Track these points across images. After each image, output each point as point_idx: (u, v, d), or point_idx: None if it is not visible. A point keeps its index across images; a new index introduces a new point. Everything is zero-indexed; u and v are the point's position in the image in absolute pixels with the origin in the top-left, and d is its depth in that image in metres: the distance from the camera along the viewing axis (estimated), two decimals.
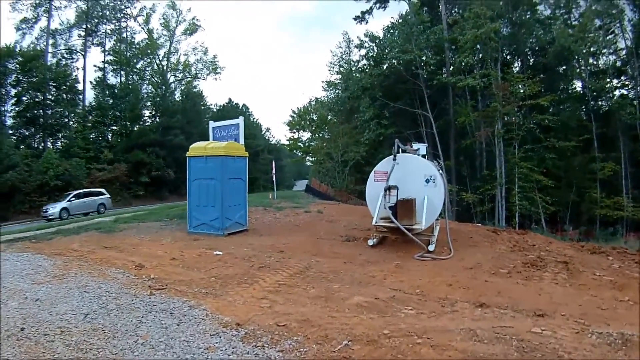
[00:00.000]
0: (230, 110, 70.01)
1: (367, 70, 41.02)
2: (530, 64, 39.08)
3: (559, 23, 37.81)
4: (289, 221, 17.23)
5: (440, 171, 13.62)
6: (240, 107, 77.82)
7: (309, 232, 14.64)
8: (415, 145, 14.81)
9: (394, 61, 36.85)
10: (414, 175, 12.36)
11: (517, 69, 38.48)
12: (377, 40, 39.61)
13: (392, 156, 12.59)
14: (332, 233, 14.54)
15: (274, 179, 29.22)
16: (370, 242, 12.49)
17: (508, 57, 39.19)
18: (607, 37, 35.74)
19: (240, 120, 16.83)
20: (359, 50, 42.34)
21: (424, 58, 37.10)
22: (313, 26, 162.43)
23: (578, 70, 39.20)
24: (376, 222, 12.16)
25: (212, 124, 17.56)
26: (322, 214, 19.20)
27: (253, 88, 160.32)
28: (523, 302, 7.06)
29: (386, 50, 37.80)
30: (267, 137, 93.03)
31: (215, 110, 72.10)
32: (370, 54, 40.14)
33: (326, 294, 7.43)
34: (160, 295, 7.20)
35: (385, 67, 38.14)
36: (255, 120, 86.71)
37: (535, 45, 38.62)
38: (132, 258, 9.97)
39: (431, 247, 11.58)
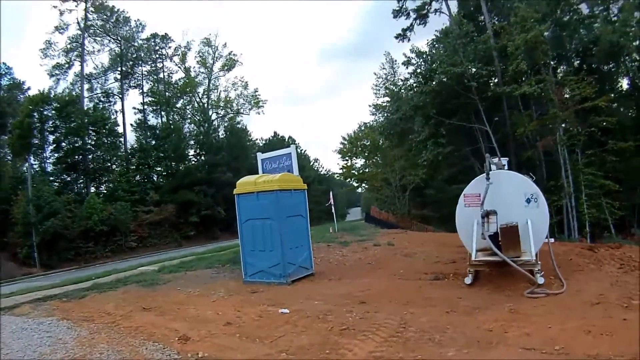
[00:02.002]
0: (277, 143, 68.62)
1: (416, 87, 38.78)
2: (575, 66, 36.43)
3: (600, 20, 34.94)
4: (359, 258, 14.87)
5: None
6: (286, 140, 75.95)
7: (386, 272, 12.37)
8: (497, 160, 12.62)
9: (442, 76, 34.30)
10: (512, 195, 10.10)
11: (562, 73, 36.10)
12: (424, 56, 37.60)
13: (483, 175, 10.33)
14: (413, 270, 12.23)
15: (333, 210, 26.87)
16: (467, 281, 10.03)
17: (553, 62, 36.53)
18: None
19: (292, 149, 14.66)
20: (407, 67, 40.08)
21: (473, 70, 34.69)
22: (351, 55, 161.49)
23: (623, 68, 36.68)
24: (476, 257, 9.85)
25: (260, 155, 15.30)
26: (393, 246, 16.87)
27: (297, 119, 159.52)
28: None
29: (433, 66, 35.55)
30: (315, 168, 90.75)
31: (261, 144, 71.06)
32: (419, 71, 37.99)
33: None
34: None
35: (435, 82, 35.76)
36: (303, 151, 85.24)
37: (579, 46, 36.02)
38: (175, 324, 7.81)
39: (540, 280, 9.24)
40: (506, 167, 12.45)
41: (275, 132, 77.53)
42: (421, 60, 37.75)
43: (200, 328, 7.47)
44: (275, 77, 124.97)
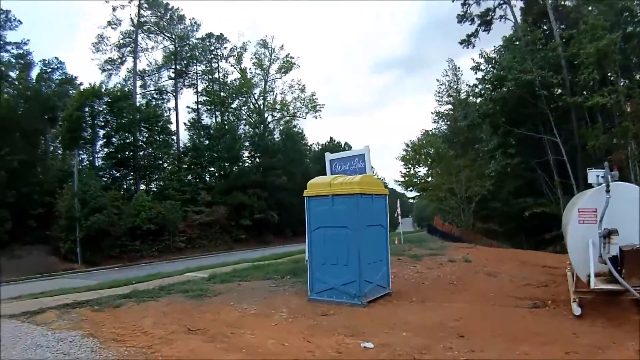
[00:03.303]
0: (333, 149, 66.87)
1: (484, 94, 37.50)
2: (637, 79, 34.37)
3: None
4: (438, 276, 12.92)
5: None
6: (342, 146, 74.31)
7: (472, 294, 10.48)
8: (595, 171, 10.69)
9: (512, 83, 32.83)
10: (630, 212, 8.19)
11: (624, 86, 33.05)
12: (493, 62, 36.41)
13: (601, 186, 8.49)
14: (503, 294, 10.39)
15: (399, 220, 25.10)
16: (576, 311, 8.22)
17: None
18: None
19: (365, 150, 12.64)
20: (475, 73, 38.71)
21: (539, 78, 32.89)
22: (401, 68, 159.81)
23: None
24: (595, 285, 7.88)
25: (329, 156, 13.49)
26: (470, 262, 15.00)
27: (350, 127, 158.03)
28: None
29: (502, 72, 34.17)
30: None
31: (317, 149, 70.66)
32: (488, 77, 36.50)
33: None
34: None
35: (505, 89, 34.18)
36: None
37: None
38: (228, 358, 5.97)
39: None
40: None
41: (331, 138, 75.87)
42: (490, 66, 36.76)
43: None
44: (329, 84, 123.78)
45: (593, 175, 10.30)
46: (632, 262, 7.77)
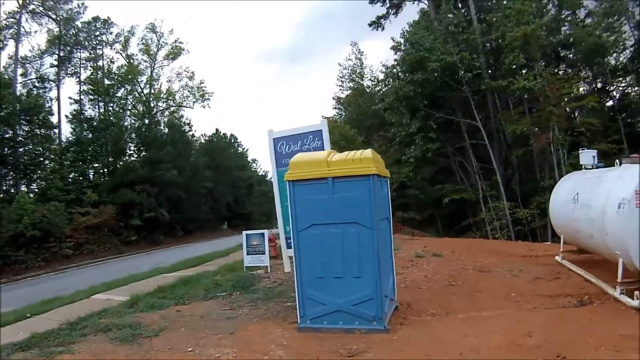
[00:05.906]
0: (219, 140, 69.51)
1: (401, 77, 36.48)
2: (541, 65, 34.13)
3: (570, 24, 35.45)
4: (425, 277, 10.80)
5: None
6: (228, 138, 76.04)
7: (492, 297, 8.70)
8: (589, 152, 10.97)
9: (436, 64, 31.97)
10: None
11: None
12: (414, 42, 34.72)
13: None
14: (526, 293, 8.82)
15: None
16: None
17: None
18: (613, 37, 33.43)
19: (323, 126, 10.63)
20: (395, 53, 38.51)
21: (464, 61, 32.50)
22: (293, 57, 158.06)
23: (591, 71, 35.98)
24: None
25: (272, 134, 10.93)
26: (442, 257, 13.50)
27: (234, 118, 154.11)
28: None
29: (424, 54, 32.99)
30: (253, 169, 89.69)
31: (203, 141, 70.35)
32: (408, 58, 34.84)
33: None
34: None
35: (427, 71, 32.94)
36: (244, 150, 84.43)
37: (548, 49, 34.47)
38: None
39: None
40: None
41: (217, 129, 75.67)
42: (410, 46, 35.50)
43: None
44: (219, 73, 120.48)
45: (588, 155, 10.62)
46: None
